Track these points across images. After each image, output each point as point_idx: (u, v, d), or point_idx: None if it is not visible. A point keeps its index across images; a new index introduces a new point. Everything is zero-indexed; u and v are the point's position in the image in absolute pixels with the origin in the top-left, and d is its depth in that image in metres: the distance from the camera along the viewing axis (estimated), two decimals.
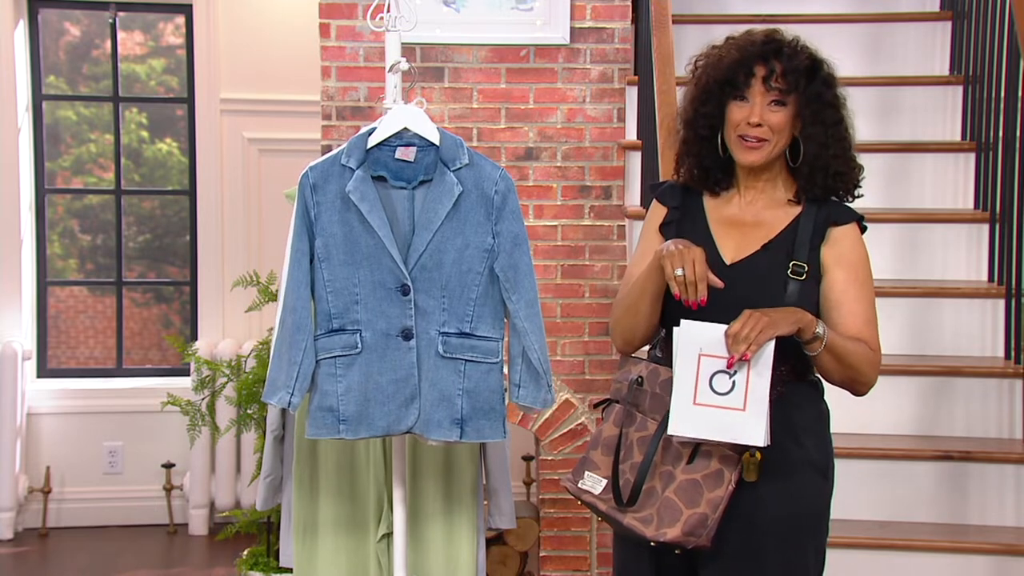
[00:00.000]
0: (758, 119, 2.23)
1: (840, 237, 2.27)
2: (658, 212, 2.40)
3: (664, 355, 2.31)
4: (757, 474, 2.14)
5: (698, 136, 2.32)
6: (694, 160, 2.34)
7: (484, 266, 2.51)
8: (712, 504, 2.14)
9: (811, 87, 2.24)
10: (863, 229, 2.31)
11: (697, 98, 2.31)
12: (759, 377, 2.08)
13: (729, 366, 2.08)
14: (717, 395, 2.09)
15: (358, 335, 2.50)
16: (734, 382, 2.08)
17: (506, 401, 2.56)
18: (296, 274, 2.51)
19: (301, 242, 2.52)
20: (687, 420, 2.10)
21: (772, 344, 2.08)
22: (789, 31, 2.31)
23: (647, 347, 2.52)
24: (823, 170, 2.26)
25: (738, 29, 2.34)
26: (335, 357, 2.51)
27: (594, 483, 2.27)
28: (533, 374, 2.53)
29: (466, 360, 2.50)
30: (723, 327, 2.10)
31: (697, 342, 2.10)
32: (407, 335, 2.50)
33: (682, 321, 2.13)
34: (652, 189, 2.49)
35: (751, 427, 2.08)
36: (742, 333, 2.07)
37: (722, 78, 2.26)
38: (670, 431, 2.11)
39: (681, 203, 2.37)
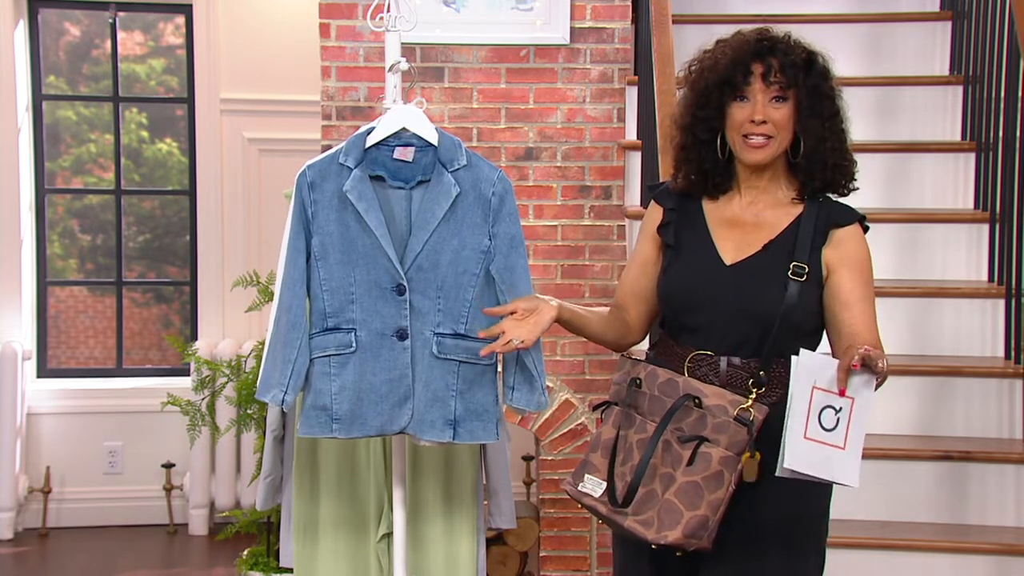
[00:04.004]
0: (761, 116, 2.22)
1: (845, 238, 2.26)
2: (656, 213, 2.39)
3: (662, 356, 2.31)
4: (757, 474, 2.14)
5: (697, 140, 2.30)
6: (693, 166, 2.32)
7: (480, 267, 2.51)
8: (713, 506, 2.13)
9: (808, 80, 2.24)
10: (865, 229, 2.31)
11: (695, 102, 2.30)
12: (862, 416, 2.05)
13: (841, 394, 2.04)
14: (824, 431, 2.05)
15: (353, 334, 2.50)
16: (838, 419, 2.05)
17: (500, 403, 2.56)
18: (292, 272, 2.51)
19: (297, 240, 2.51)
20: (799, 455, 2.05)
21: (873, 383, 2.05)
22: (790, 31, 2.31)
23: (645, 347, 2.52)
24: (821, 163, 2.25)
25: (739, 29, 2.34)
26: (329, 356, 2.50)
27: (594, 486, 2.26)
28: (527, 377, 2.52)
29: (460, 361, 2.50)
30: (835, 360, 2.06)
31: (812, 373, 2.06)
32: (402, 335, 2.49)
33: (802, 351, 2.08)
34: (650, 190, 2.49)
35: (848, 466, 2.05)
36: (872, 355, 2.01)
37: (720, 79, 2.25)
38: (786, 464, 2.05)
39: (678, 204, 2.36)
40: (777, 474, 2.07)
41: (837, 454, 2.05)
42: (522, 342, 2.26)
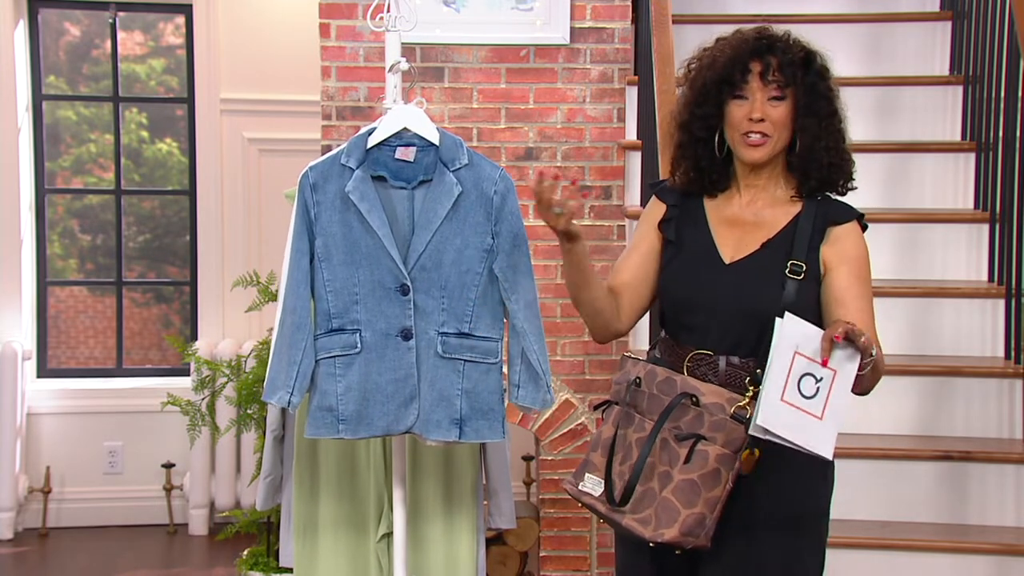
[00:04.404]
0: (760, 114, 2.23)
1: (842, 235, 2.27)
2: (657, 208, 2.40)
3: (663, 356, 2.31)
4: (754, 467, 2.14)
5: (694, 138, 2.31)
6: (689, 163, 2.33)
7: (483, 266, 2.51)
8: (709, 504, 2.13)
9: (807, 78, 2.25)
10: (864, 227, 2.31)
11: (693, 100, 2.30)
12: (843, 390, 2.05)
13: (824, 364, 2.04)
14: (802, 397, 2.05)
15: (357, 335, 2.50)
16: (818, 388, 2.05)
17: (505, 402, 2.56)
18: (296, 274, 2.51)
19: (301, 242, 2.52)
20: (774, 415, 2.04)
21: (857, 359, 2.05)
22: (789, 30, 2.31)
23: (647, 347, 2.52)
24: (816, 162, 2.26)
25: (738, 28, 2.34)
26: (334, 357, 2.50)
27: (594, 485, 2.27)
28: (532, 375, 2.52)
29: (465, 360, 2.50)
30: (821, 331, 2.07)
31: (795, 339, 2.06)
32: (406, 335, 2.50)
33: (787, 315, 2.09)
34: (651, 187, 2.49)
35: (823, 437, 2.05)
36: (855, 331, 2.03)
37: (718, 78, 2.25)
38: (759, 421, 2.04)
39: (680, 202, 2.37)
40: (750, 431, 2.08)
41: (813, 423, 2.05)
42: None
